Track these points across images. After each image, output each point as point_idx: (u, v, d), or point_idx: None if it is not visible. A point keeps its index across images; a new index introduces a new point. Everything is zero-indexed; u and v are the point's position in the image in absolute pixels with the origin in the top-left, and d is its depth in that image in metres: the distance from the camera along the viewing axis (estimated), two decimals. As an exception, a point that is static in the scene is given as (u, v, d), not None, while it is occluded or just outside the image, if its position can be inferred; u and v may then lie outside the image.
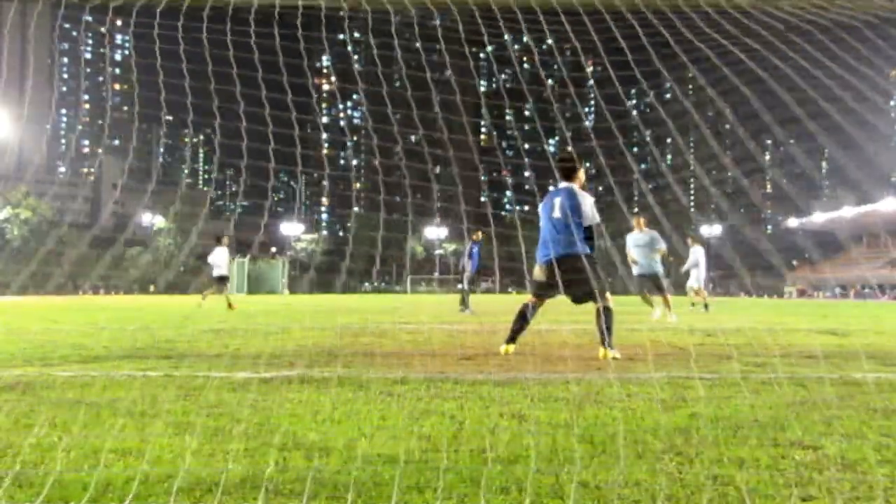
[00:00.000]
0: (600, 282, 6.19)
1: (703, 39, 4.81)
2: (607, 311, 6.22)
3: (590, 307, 6.31)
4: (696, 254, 17.44)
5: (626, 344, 7.38)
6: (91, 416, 3.21)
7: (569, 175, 6.60)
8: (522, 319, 6.48)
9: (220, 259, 18.31)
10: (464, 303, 16.39)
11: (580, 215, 6.35)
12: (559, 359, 5.84)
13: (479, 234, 17.35)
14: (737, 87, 5.69)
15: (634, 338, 8.22)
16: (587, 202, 6.46)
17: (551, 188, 6.85)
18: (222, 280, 18.41)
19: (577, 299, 6.46)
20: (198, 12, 4.97)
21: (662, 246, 12.87)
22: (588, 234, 6.38)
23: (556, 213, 6.43)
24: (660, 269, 12.79)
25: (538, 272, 6.48)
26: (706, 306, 16.61)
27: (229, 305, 16.96)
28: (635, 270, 12.93)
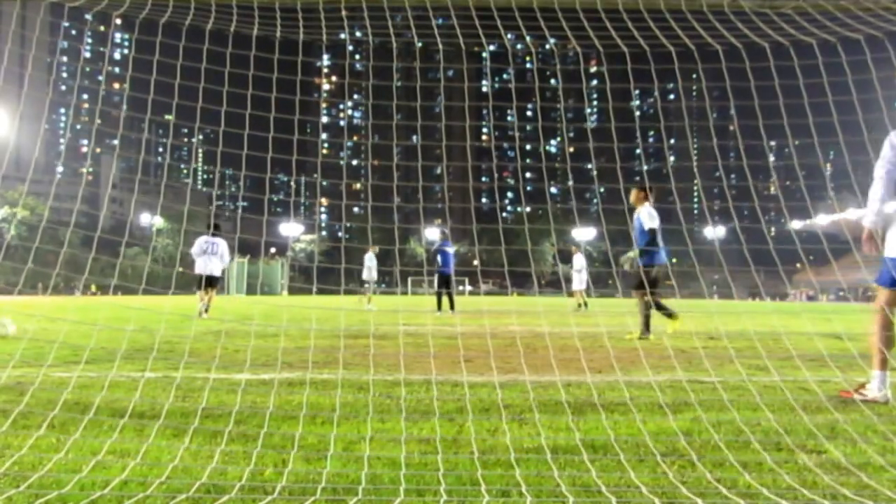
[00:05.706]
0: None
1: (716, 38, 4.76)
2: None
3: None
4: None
5: (626, 347, 7.38)
6: (89, 418, 3.19)
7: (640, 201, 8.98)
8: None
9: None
10: (439, 305, 16.23)
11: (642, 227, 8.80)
12: (560, 361, 5.81)
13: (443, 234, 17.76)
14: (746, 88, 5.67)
15: (635, 341, 8.19)
16: (642, 213, 8.82)
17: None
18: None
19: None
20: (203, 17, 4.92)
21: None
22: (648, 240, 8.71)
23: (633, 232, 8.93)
24: None
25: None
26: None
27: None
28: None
